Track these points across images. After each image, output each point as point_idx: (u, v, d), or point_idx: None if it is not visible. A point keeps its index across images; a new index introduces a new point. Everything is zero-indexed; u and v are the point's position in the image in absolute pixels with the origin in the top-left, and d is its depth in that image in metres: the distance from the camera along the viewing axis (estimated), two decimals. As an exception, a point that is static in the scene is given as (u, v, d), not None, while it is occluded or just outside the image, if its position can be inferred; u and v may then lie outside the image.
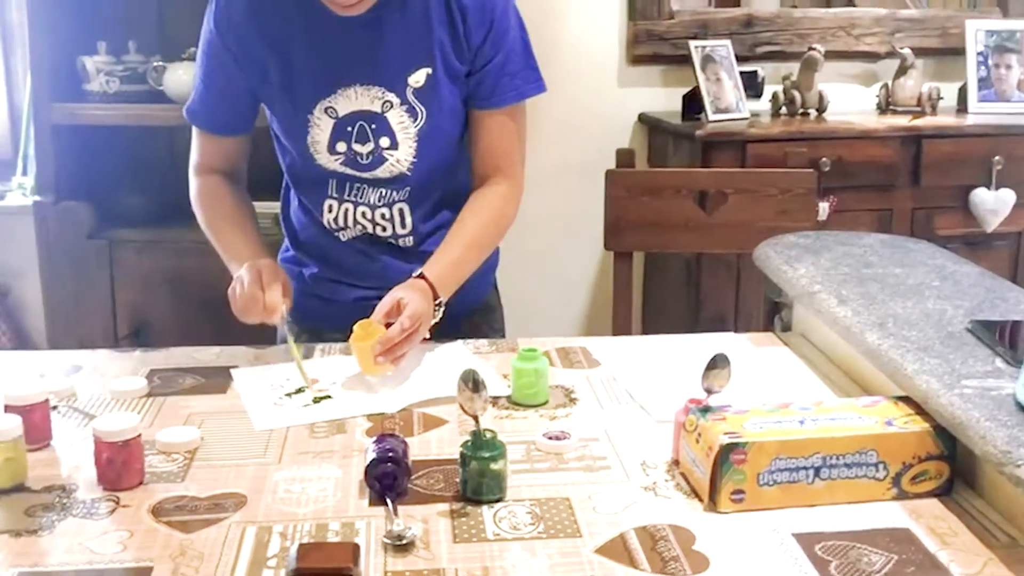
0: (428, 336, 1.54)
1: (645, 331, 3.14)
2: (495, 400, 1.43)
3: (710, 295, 2.84)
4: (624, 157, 2.42)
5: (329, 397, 1.47)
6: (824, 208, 2.80)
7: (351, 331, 1.62)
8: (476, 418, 1.15)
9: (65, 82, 2.75)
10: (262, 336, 1.80)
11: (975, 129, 2.97)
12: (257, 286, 1.52)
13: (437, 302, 1.54)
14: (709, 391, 1.21)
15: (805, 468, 1.15)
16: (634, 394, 1.46)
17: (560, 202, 3.09)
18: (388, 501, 1.14)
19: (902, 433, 1.17)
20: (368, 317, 1.50)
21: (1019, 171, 2.93)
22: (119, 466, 1.19)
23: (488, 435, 1.16)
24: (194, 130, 1.72)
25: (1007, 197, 2.93)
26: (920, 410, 1.20)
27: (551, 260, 3.20)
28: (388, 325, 1.47)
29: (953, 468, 1.18)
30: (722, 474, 1.13)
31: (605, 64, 3.15)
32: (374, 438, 1.21)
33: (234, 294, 1.54)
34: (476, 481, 1.15)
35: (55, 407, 1.39)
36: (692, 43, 2.98)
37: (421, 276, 1.55)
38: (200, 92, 1.67)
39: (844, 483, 1.16)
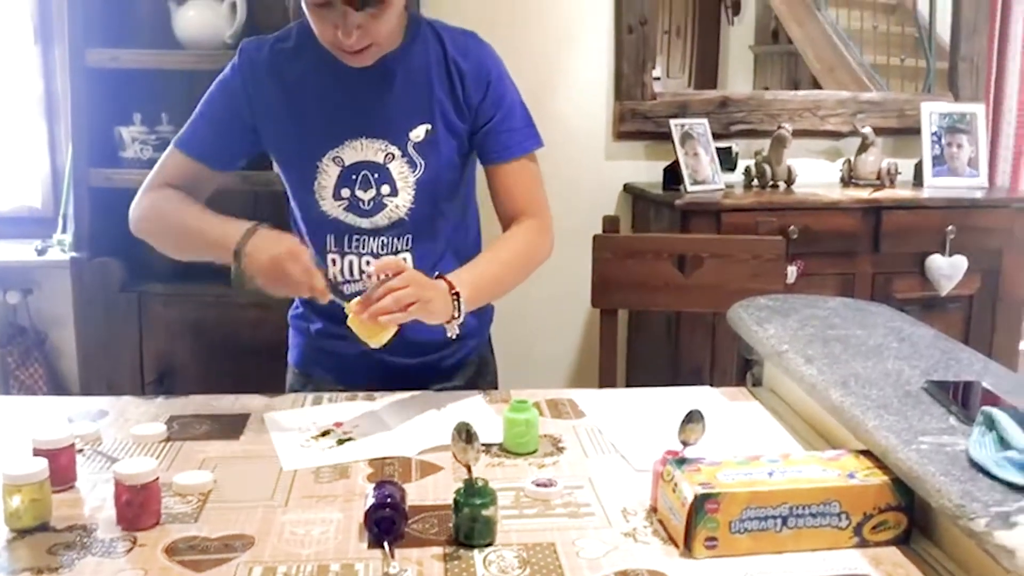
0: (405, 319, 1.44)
1: (629, 382, 3.12)
2: (488, 448, 1.41)
3: (688, 350, 2.82)
4: (610, 223, 2.42)
5: (352, 439, 1.45)
6: (792, 272, 2.79)
7: (356, 385, 1.61)
8: (469, 467, 1.13)
9: (103, 149, 2.76)
10: (273, 384, 1.78)
11: (930, 201, 2.97)
12: (301, 271, 1.45)
13: (454, 293, 1.47)
14: (685, 443, 1.19)
15: (773, 517, 1.13)
16: (616, 444, 1.44)
17: (552, 263, 3.05)
18: (385, 544, 1.11)
19: (863, 485, 1.15)
20: (370, 372, 1.49)
21: (970, 240, 2.94)
22: (137, 507, 1.17)
23: (480, 483, 1.14)
24: (167, 156, 1.64)
25: (960, 263, 2.93)
26: (880, 464, 1.19)
27: (543, 316, 3.19)
28: None
29: (911, 518, 1.16)
30: (696, 522, 1.11)
31: (593, 139, 3.17)
32: (374, 484, 1.19)
33: (290, 273, 1.44)
34: (468, 526, 1.13)
35: (81, 450, 1.37)
36: (672, 121, 3.00)
37: (440, 277, 1.49)
38: (197, 123, 1.63)
39: (809, 531, 1.14)
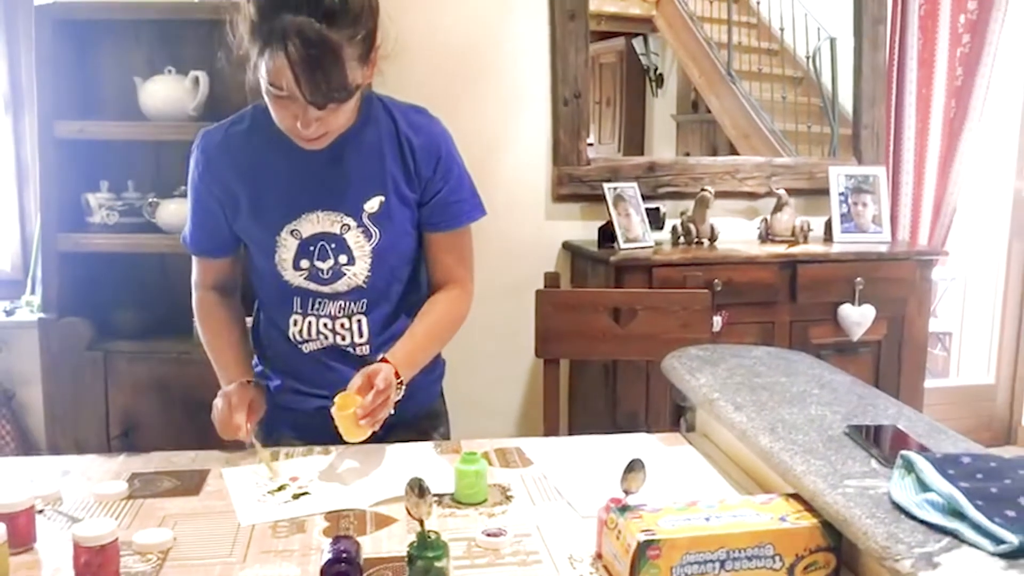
0: (379, 430, 1.46)
1: (571, 426, 3.08)
2: (440, 498, 1.36)
3: (625, 395, 2.79)
4: (551, 279, 2.39)
5: (308, 493, 1.39)
6: (717, 321, 2.79)
7: (313, 439, 1.55)
8: (421, 521, 1.08)
9: (71, 215, 2.67)
10: (226, 444, 1.71)
11: (840, 255, 2.99)
12: (228, 411, 1.51)
13: (399, 381, 1.48)
14: (627, 492, 1.16)
15: (712, 561, 1.09)
16: (562, 491, 1.40)
17: (497, 317, 3.04)
18: (342, 599, 1.05)
19: (794, 528, 1.12)
20: (327, 426, 1.43)
21: (877, 289, 2.96)
22: (96, 568, 1.09)
23: (432, 536, 1.09)
24: (193, 258, 1.69)
25: (868, 312, 2.95)
26: (809, 506, 1.16)
27: (490, 366, 3.15)
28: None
29: (839, 558, 1.13)
30: (640, 568, 1.07)
31: (534, 201, 3.15)
32: (330, 539, 1.13)
33: (215, 416, 1.54)
34: (421, 579, 1.08)
35: (41, 511, 1.29)
36: (605, 185, 3.00)
37: (384, 360, 1.50)
38: (191, 222, 1.64)
39: (746, 574, 1.10)
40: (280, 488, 1.41)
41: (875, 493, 1.10)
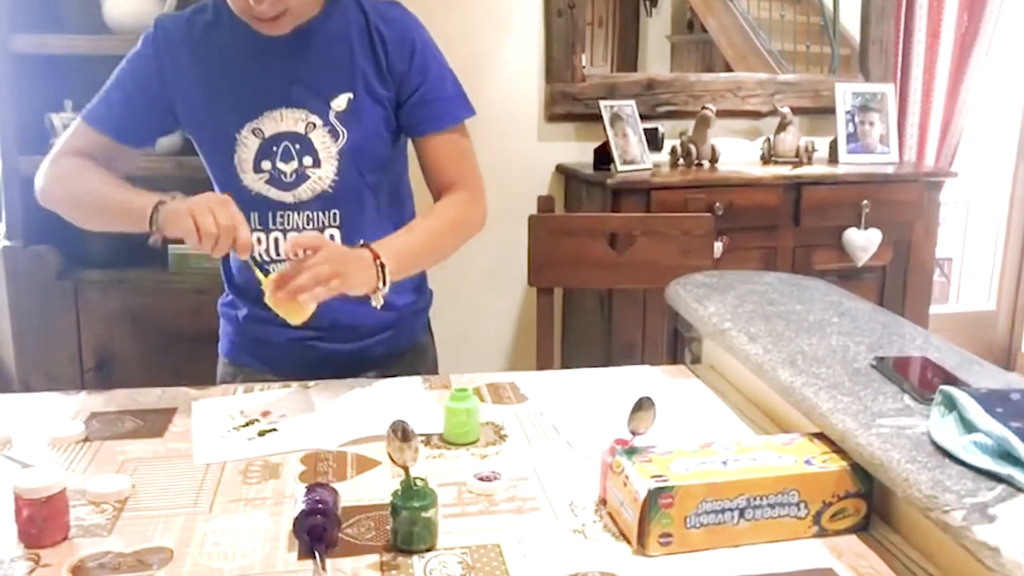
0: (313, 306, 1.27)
1: (564, 359, 2.97)
2: (428, 439, 1.24)
3: (621, 325, 2.68)
4: (544, 203, 2.26)
5: (275, 431, 1.27)
6: (718, 247, 2.67)
7: (288, 373, 1.43)
8: (406, 468, 0.96)
9: (33, 136, 2.50)
10: (214, 370, 1.59)
11: (846, 177, 2.87)
12: (220, 212, 1.24)
13: (379, 263, 1.29)
14: (635, 433, 1.04)
15: (730, 509, 0.98)
16: (560, 429, 1.28)
17: (487, 245, 2.89)
18: (316, 555, 0.94)
19: (821, 472, 1.00)
20: (302, 359, 1.30)
21: (884, 213, 2.84)
22: (40, 523, 0.97)
23: (419, 483, 0.97)
24: (74, 129, 1.45)
25: (874, 236, 2.83)
26: (836, 448, 1.04)
27: (480, 297, 3.02)
28: None
29: (870, 505, 1.02)
30: (650, 518, 0.95)
31: (526, 121, 2.99)
32: (305, 487, 1.01)
33: (207, 226, 1.22)
34: (406, 531, 0.96)
35: (-13, 456, 1.16)
36: (602, 103, 2.84)
37: (364, 246, 1.32)
38: (108, 97, 1.43)
39: (767, 523, 0.99)
40: (248, 423, 1.29)
41: (913, 433, 0.98)
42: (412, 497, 0.96)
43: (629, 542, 0.98)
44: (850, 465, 1.01)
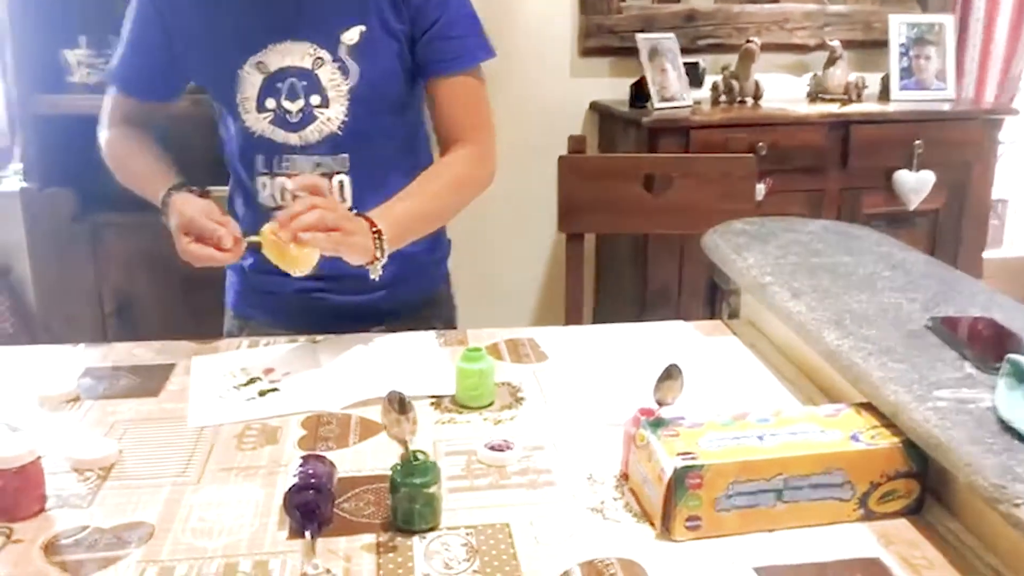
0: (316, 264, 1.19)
1: (596, 310, 2.87)
2: (439, 401, 1.15)
3: (656, 273, 2.57)
4: (576, 143, 2.13)
5: (276, 390, 1.19)
6: (760, 189, 2.53)
7: (295, 326, 1.35)
8: (405, 443, 0.87)
9: (48, 74, 2.42)
10: (208, 327, 1.51)
11: (898, 115, 2.70)
12: (198, 224, 1.20)
13: (375, 231, 1.20)
14: (661, 403, 0.93)
15: (766, 491, 0.87)
16: (581, 393, 1.18)
17: (514, 187, 2.78)
18: (307, 534, 0.85)
19: (870, 450, 0.89)
20: (310, 312, 1.22)
21: (938, 154, 2.67)
22: (13, 494, 0.90)
23: (420, 457, 0.88)
24: (110, 92, 1.42)
25: (927, 178, 2.67)
26: (887, 420, 0.93)
27: (506, 244, 2.92)
28: None
29: (924, 485, 0.91)
30: (676, 500, 0.86)
31: (558, 55, 2.85)
32: (299, 458, 0.93)
33: (183, 246, 1.21)
34: (406, 509, 0.87)
35: (-30, 417, 1.09)
36: (639, 36, 2.69)
37: (358, 214, 1.23)
38: (124, 55, 1.38)
39: (808, 506, 0.89)
40: (249, 382, 1.21)
41: (976, 408, 0.87)
42: (412, 473, 0.87)
43: (653, 524, 0.89)
44: (902, 442, 0.90)
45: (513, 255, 2.93)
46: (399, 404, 0.85)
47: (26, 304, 2.94)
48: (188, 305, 2.40)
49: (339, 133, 1.31)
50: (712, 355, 1.30)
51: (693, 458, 0.86)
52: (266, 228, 1.18)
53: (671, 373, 0.92)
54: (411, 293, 1.43)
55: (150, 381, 1.22)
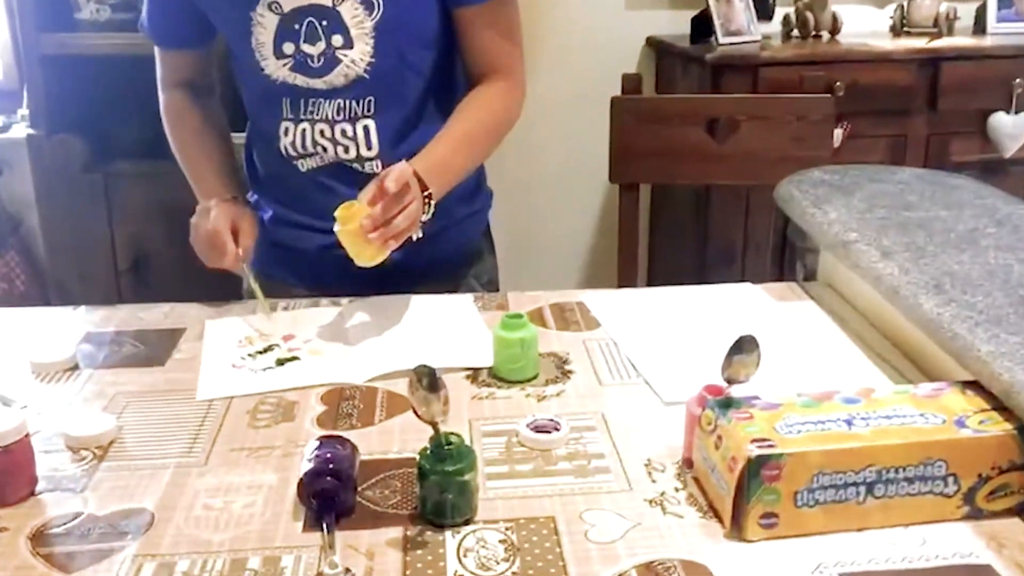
0: (396, 250, 1.18)
1: (651, 269, 2.79)
2: (475, 374, 1.09)
3: (719, 228, 2.48)
4: (631, 82, 2.06)
5: (296, 359, 1.14)
6: (837, 135, 2.42)
7: (318, 286, 1.29)
8: (435, 426, 0.80)
9: (55, 11, 2.38)
10: (228, 287, 1.46)
11: (995, 50, 2.57)
12: (209, 230, 1.25)
13: (426, 194, 1.18)
14: (731, 380, 0.86)
15: (855, 484, 0.80)
16: (638, 365, 1.10)
17: (562, 132, 2.70)
18: (324, 527, 0.80)
19: (978, 438, 0.81)
20: (337, 270, 1.17)
21: (1040, 94, 2.53)
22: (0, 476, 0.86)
23: (452, 441, 0.82)
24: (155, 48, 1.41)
25: (1027, 121, 2.54)
26: (997, 403, 0.85)
27: (551, 195, 2.83)
28: None
29: (1041, 479, 0.83)
30: (750, 494, 0.79)
31: (612, -15, 2.75)
32: (315, 440, 0.87)
33: (196, 233, 1.28)
34: (437, 499, 0.81)
35: (-42, 387, 1.06)
36: (702, -38, 2.57)
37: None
38: (148, 5, 1.35)
39: (903, 501, 0.81)
40: (266, 349, 1.16)
41: (1108, 391, 0.78)
42: (443, 458, 0.81)
43: (721, 520, 0.82)
44: (1016, 428, 0.82)
45: (559, 208, 2.84)
46: (428, 381, 0.78)
47: (38, 260, 2.93)
48: (207, 262, 2.37)
49: (365, 76, 1.24)
50: (786, 323, 1.22)
51: (771, 445, 0.79)
52: (344, 212, 1.13)
53: (744, 346, 0.84)
54: (448, 250, 1.37)
55: (156, 348, 1.17)
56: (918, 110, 2.52)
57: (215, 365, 1.12)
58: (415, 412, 0.80)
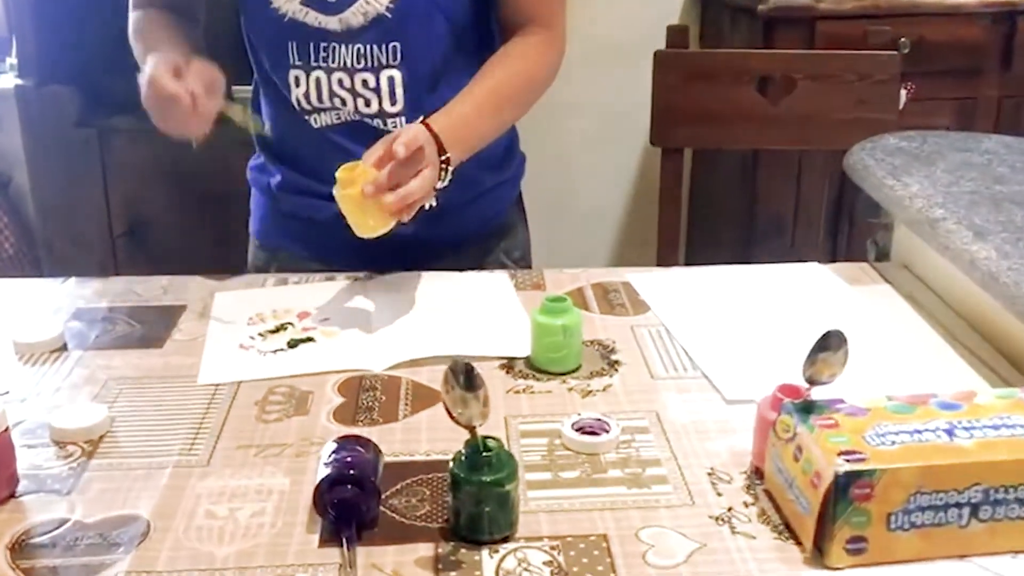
0: (407, 222, 1.09)
1: (690, 237, 2.71)
2: (510, 364, 1.02)
3: (768, 197, 2.39)
4: (676, 36, 1.98)
5: (311, 340, 1.07)
6: (901, 96, 2.32)
7: (334, 258, 1.23)
8: (473, 430, 0.74)
9: (44, -51, 2.31)
10: (235, 257, 1.40)
11: (1078, 4, 2.44)
12: (164, 82, 1.08)
13: (443, 159, 1.10)
14: (812, 381, 0.79)
15: (958, 505, 0.73)
16: (695, 357, 1.03)
17: (598, 91, 2.61)
18: (344, 542, 0.74)
19: (1103, 453, 0.74)
20: (353, 243, 1.10)
21: None
22: (-26, 476, 0.80)
23: (491, 446, 0.75)
24: None
25: (1112, 84, 2.43)
26: (1122, 411, 0.78)
27: (586, 159, 2.75)
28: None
29: None
30: (836, 514, 0.72)
31: (654, -73, 2.65)
32: (332, 442, 0.81)
33: (147, 102, 1.11)
34: (472, 513, 0.75)
35: (-67, 369, 1.00)
36: (754, -97, 2.46)
37: (424, 124, 1.11)
38: None
39: (1013, 526, 0.74)
40: (278, 329, 1.10)
41: None
42: (480, 467, 0.74)
43: (799, 543, 0.75)
44: None
45: (595, 174, 2.76)
46: (465, 378, 0.72)
47: (27, 220, 2.88)
48: (212, 226, 2.31)
49: (387, 15, 1.16)
50: (862, 310, 1.14)
51: (861, 459, 0.72)
52: (346, 174, 1.05)
53: (832, 342, 0.77)
54: (475, 222, 1.30)
55: (153, 328, 1.11)
56: (990, 70, 2.42)
57: (221, 344, 1.07)
58: (449, 413, 0.73)
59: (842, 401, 0.79)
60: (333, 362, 1.03)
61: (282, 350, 1.06)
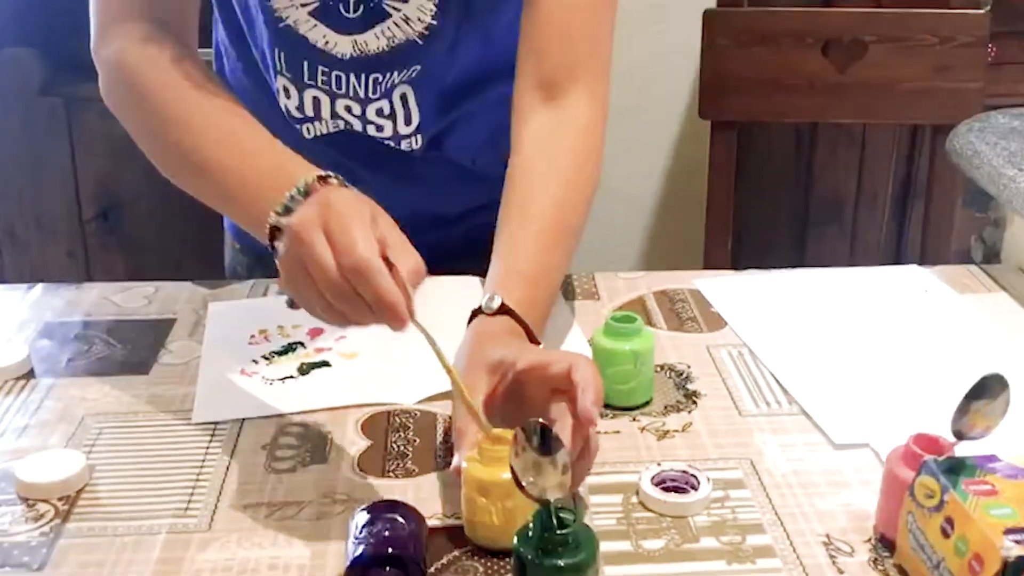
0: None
1: (734, 220, 2.61)
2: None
3: (826, 176, 2.36)
4: (727, -8, 1.94)
5: (326, 364, 0.99)
6: (980, 61, 2.25)
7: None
8: (547, 504, 0.64)
9: None
10: (217, 248, 1.31)
11: None
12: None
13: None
14: (961, 435, 0.69)
15: None
16: (790, 389, 0.93)
17: (636, 58, 2.48)
18: (384, 641, 0.64)
19: None
20: None
21: None
22: (-77, 552, 0.70)
23: (567, 521, 0.65)
24: None
25: None
26: None
27: (623, 136, 2.62)
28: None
29: None
30: (1003, 609, 0.62)
31: None
32: (363, 511, 0.71)
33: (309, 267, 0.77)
34: (544, 603, 0.65)
35: None
36: None
37: (504, 311, 0.89)
38: None
39: None
40: (287, 350, 1.01)
41: None
42: (553, 549, 0.64)
43: (948, 639, 0.65)
44: None
45: (633, 150, 2.65)
46: (540, 439, 0.61)
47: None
48: (193, 209, 2.22)
49: (418, 42, 1.04)
50: (980, 327, 1.04)
51: (1034, 539, 0.62)
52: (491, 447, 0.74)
53: (989, 389, 0.67)
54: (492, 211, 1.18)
55: (137, 348, 1.02)
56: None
57: (218, 370, 0.97)
58: (517, 482, 0.63)
59: (996, 459, 0.69)
60: (354, 394, 0.93)
61: (291, 377, 0.96)
